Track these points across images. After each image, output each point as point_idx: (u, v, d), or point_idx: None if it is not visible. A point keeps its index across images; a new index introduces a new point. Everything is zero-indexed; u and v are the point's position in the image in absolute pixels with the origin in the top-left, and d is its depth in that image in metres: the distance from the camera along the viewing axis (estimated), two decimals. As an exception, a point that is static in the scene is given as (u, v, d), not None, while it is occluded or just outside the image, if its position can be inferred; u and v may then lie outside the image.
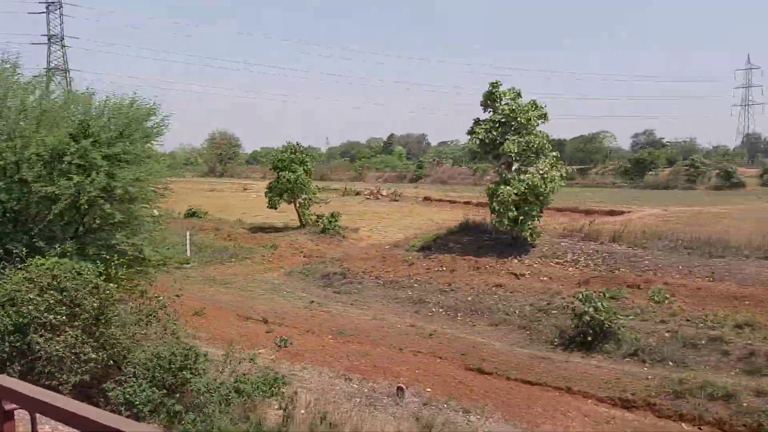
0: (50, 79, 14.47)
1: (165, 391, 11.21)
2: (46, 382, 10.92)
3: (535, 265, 26.57)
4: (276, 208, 39.22)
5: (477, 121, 29.52)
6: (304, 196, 39.09)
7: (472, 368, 17.12)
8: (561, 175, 28.02)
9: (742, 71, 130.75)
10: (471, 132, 29.01)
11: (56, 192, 11.91)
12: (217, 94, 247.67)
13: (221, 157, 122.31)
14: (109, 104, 13.81)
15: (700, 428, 13.67)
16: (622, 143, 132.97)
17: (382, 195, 60.50)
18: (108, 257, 12.50)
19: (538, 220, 28.29)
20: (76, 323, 11.23)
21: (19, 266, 11.49)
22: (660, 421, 14.10)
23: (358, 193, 64.18)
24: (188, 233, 32.38)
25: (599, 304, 17.17)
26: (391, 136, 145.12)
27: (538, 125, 28.74)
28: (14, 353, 10.92)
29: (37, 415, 2.74)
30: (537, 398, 15.26)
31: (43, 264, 11.41)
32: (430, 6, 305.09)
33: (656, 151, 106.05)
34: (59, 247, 11.93)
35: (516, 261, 27.32)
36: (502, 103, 28.89)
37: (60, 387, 10.67)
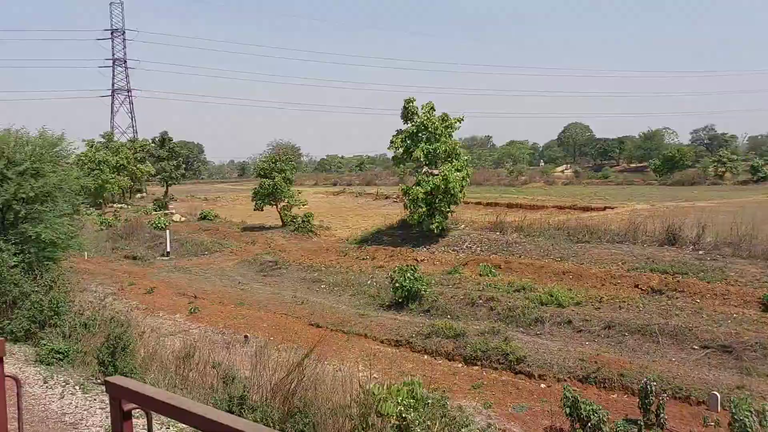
0: None
1: (38, 324, 17.23)
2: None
3: (436, 253, 31.44)
4: (262, 210, 45.54)
5: (398, 132, 34.70)
6: (287, 200, 45.16)
7: (312, 324, 22.52)
8: (464, 176, 32.74)
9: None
10: (391, 141, 34.21)
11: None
12: (284, 107, 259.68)
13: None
14: (19, 137, 20.28)
15: (434, 357, 18.56)
16: (683, 139, 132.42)
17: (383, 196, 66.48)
18: (21, 243, 18.78)
19: (448, 215, 33.07)
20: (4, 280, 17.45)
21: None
22: (411, 354, 19.05)
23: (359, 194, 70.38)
24: (168, 231, 39.11)
25: (408, 276, 22.22)
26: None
27: (448, 134, 33.56)
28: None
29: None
30: (339, 340, 20.49)
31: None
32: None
33: (684, 148, 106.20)
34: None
35: (425, 249, 32.26)
36: (419, 115, 33.92)
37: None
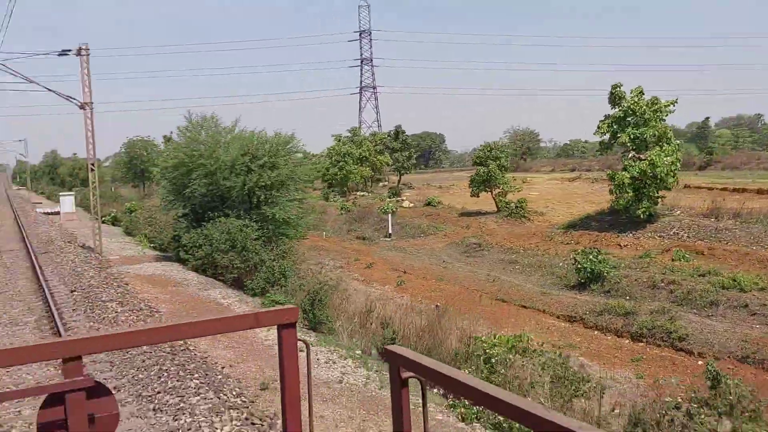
0: (233, 127, 26.51)
1: (270, 284, 21.76)
2: (220, 277, 22.39)
3: (641, 238, 31.10)
4: (478, 197, 48.03)
5: (605, 117, 34.56)
6: (501, 186, 47.03)
7: (498, 299, 24.49)
8: (674, 161, 31.64)
9: None
10: (598, 127, 34.23)
11: (232, 185, 23.53)
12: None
13: (520, 151, 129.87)
14: (260, 137, 25.18)
15: (603, 333, 19.48)
16: None
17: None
18: (261, 221, 23.78)
19: (657, 201, 32.29)
20: (234, 250, 22.49)
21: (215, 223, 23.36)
22: (583, 329, 20.13)
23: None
24: (390, 215, 43.48)
25: (590, 258, 22.92)
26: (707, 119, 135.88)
27: (657, 118, 32.65)
28: (206, 264, 22.71)
29: None
30: (518, 315, 22.24)
31: (223, 222, 23.05)
32: None
33: None
34: (235, 214, 23.51)
35: (630, 235, 32.03)
36: (626, 99, 33.50)
37: (223, 279, 22.03)
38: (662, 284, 21.45)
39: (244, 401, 8.88)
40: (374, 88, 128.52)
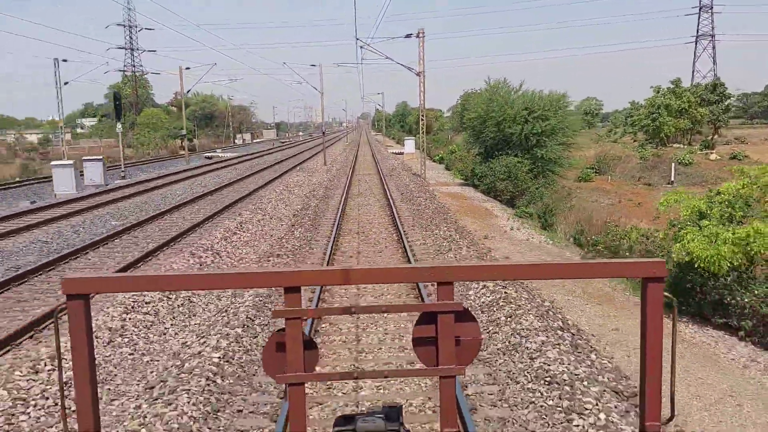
0: (520, 88, 34.51)
1: (530, 205, 29.93)
2: (498, 198, 31.35)
3: None
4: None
5: None
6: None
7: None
8: None
9: None
10: None
11: (513, 131, 32.02)
12: None
13: None
14: (537, 95, 32.91)
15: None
16: None
17: None
18: (533, 160, 32.19)
19: None
20: (509, 179, 31.10)
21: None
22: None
23: None
24: (673, 164, 46.91)
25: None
26: None
27: None
28: (490, 189, 31.88)
29: None
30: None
31: (504, 159, 31.88)
32: None
33: None
34: (513, 153, 32.15)
35: None
36: None
37: (500, 199, 30.96)
38: None
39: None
40: (712, 36, 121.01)
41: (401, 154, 65.12)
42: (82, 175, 32.31)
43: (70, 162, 31.09)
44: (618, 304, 11.82)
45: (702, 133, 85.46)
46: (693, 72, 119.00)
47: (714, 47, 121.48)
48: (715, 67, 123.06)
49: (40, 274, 13.15)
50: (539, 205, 26.49)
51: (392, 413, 2.42)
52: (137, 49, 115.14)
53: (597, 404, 6.35)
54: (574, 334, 9.03)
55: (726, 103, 72.77)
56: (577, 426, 6.01)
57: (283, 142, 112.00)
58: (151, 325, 10.01)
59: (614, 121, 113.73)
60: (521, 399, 6.82)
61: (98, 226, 19.78)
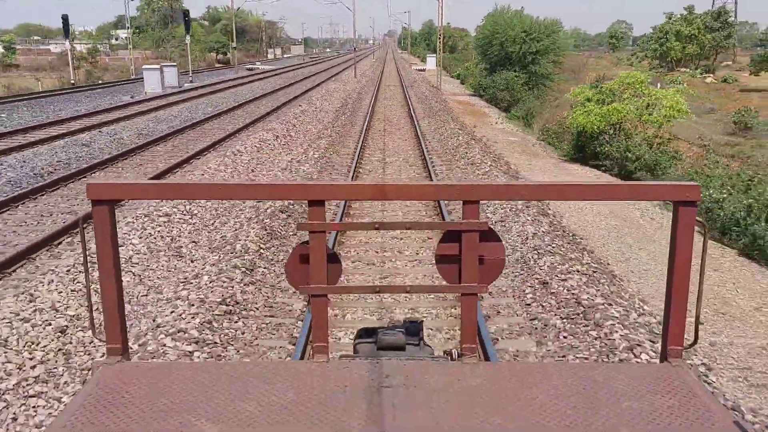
0: (521, 12, 41.20)
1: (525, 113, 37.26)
2: (498, 105, 38.64)
3: None
4: (758, 75, 53.93)
5: None
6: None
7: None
8: None
9: None
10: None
11: (513, 50, 39.05)
12: None
13: None
14: (534, 21, 39.69)
15: None
16: None
17: None
18: (527, 75, 39.45)
19: None
20: (507, 90, 38.20)
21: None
22: None
23: None
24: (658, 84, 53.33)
25: None
26: None
27: None
28: (489, 96, 39.12)
29: None
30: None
31: (505, 73, 38.98)
32: None
33: None
34: (512, 69, 39.25)
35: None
36: None
37: (498, 106, 38.25)
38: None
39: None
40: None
41: (423, 70, 71.81)
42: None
43: (157, 66, 38.88)
44: (540, 156, 19.73)
45: (709, 58, 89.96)
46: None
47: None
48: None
49: (188, 130, 21.41)
50: (524, 109, 33.92)
51: (413, 328, 2.56)
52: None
53: (486, 162, 14.44)
54: (506, 165, 16.99)
55: (728, 31, 77.31)
56: (462, 154, 14.04)
57: (312, 58, 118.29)
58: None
59: (642, 45, 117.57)
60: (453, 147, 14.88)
61: (199, 110, 27.78)
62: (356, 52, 71.30)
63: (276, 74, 58.61)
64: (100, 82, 48.24)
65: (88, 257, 2.34)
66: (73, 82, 43.22)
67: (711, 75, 71.78)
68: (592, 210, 12.42)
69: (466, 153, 17.13)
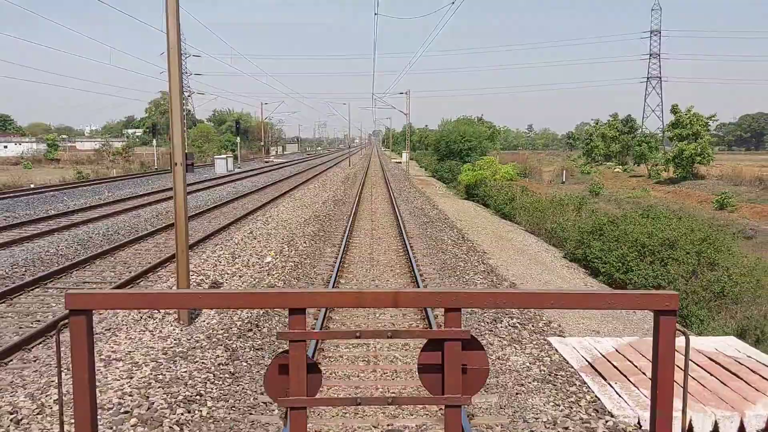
0: (468, 119, 62.34)
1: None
2: (448, 184, 58.73)
3: None
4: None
5: None
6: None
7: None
8: None
9: None
10: None
11: (455, 147, 59.95)
12: None
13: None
14: (470, 126, 60.35)
15: None
16: None
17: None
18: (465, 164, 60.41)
19: None
20: (450, 173, 58.27)
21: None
22: None
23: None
24: (564, 171, 74.38)
25: None
26: None
27: None
28: (444, 179, 59.29)
29: None
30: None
31: (448, 163, 59.43)
32: None
33: None
34: (454, 160, 59.83)
35: None
36: None
37: (447, 186, 58.24)
38: None
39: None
40: (659, 78, 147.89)
41: (400, 162, 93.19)
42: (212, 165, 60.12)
43: (224, 156, 59.00)
44: (450, 197, 39.52)
45: (628, 154, 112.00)
46: (644, 108, 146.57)
47: (662, 88, 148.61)
48: (662, 105, 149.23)
49: (252, 194, 40.94)
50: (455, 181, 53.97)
51: None
52: (185, 73, 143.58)
53: (420, 199, 34.22)
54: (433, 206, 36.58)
55: (635, 134, 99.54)
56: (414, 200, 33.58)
57: (309, 154, 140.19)
58: (317, 194, 37.75)
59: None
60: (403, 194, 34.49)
61: (253, 185, 47.28)
62: (346, 149, 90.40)
63: (290, 164, 78.93)
64: (155, 168, 68.13)
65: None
66: (156, 168, 62.85)
67: (619, 168, 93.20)
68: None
69: (414, 197, 36.63)
